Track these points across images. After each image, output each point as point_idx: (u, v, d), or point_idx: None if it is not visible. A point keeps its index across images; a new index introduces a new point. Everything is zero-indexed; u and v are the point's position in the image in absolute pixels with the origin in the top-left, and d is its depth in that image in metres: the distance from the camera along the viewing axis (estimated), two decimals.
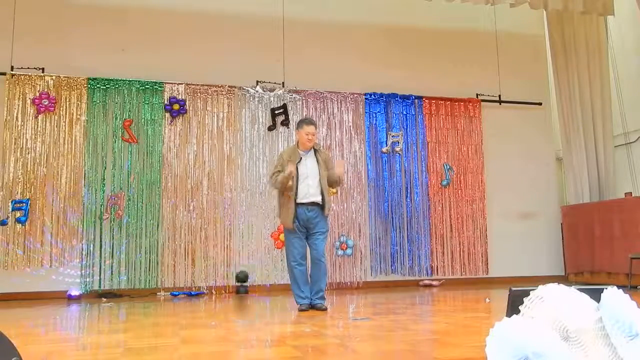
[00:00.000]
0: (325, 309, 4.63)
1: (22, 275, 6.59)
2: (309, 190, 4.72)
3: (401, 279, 7.73)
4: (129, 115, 7.17)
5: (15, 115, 6.81)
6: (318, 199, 4.74)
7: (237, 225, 7.29)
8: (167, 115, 7.29)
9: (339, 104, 7.92)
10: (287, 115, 7.64)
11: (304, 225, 4.72)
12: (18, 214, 6.63)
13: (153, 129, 7.22)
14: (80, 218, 6.82)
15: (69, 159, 6.89)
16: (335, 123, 7.86)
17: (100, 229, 6.86)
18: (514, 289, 1.81)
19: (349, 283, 7.55)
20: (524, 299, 1.70)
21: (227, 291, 7.12)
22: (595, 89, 8.36)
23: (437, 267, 7.90)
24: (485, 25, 8.52)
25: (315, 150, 4.86)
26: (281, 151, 6.07)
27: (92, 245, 6.81)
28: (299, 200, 4.69)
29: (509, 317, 1.70)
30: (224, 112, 7.48)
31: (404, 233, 7.85)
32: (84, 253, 6.78)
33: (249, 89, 7.61)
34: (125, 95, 7.19)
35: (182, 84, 7.38)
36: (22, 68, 6.91)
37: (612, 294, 1.64)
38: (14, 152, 6.74)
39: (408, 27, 8.42)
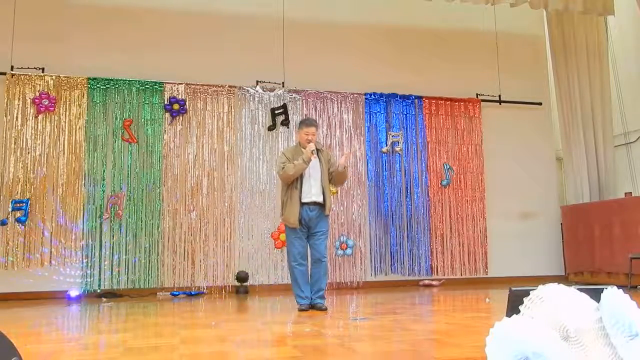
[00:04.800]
0: (325, 309, 4.63)
1: (22, 275, 6.58)
2: (311, 189, 4.73)
3: (401, 279, 7.73)
4: (129, 115, 7.17)
5: (15, 115, 6.81)
6: (320, 198, 4.74)
7: (237, 225, 7.28)
8: (167, 115, 7.29)
9: (339, 104, 7.92)
10: (287, 115, 7.63)
11: (305, 224, 4.73)
12: (18, 214, 6.62)
13: (153, 129, 7.22)
14: (80, 218, 6.82)
15: (69, 159, 6.89)
16: (335, 123, 7.86)
17: (100, 229, 6.86)
18: (514, 289, 1.81)
19: (349, 283, 7.55)
20: (524, 299, 1.70)
21: (227, 291, 7.12)
22: (595, 89, 8.37)
23: (437, 267, 7.90)
24: (485, 25, 8.52)
25: (317, 150, 4.84)
26: (282, 150, 6.07)
27: (92, 245, 6.81)
28: (302, 200, 4.69)
29: (509, 317, 1.70)
30: (224, 112, 7.48)
31: (404, 233, 7.85)
32: (84, 253, 6.77)
33: (249, 89, 7.61)
34: (125, 95, 7.19)
35: (182, 84, 7.38)
36: (22, 68, 6.91)
37: (612, 294, 1.64)
38: (14, 152, 6.73)
39: (408, 27, 8.42)
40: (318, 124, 5.81)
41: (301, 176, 4.72)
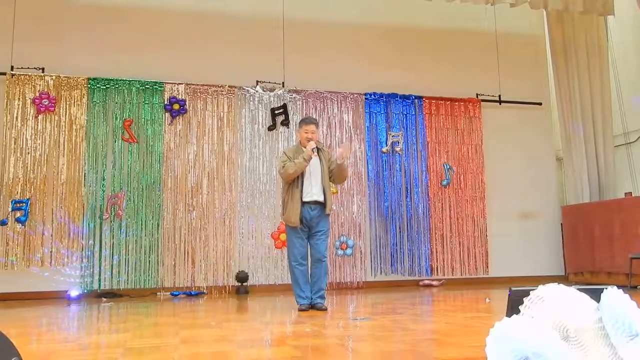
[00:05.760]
0: (325, 309, 4.63)
1: (22, 275, 6.58)
2: (312, 188, 4.73)
3: (401, 279, 7.73)
4: (129, 115, 7.17)
5: (15, 115, 6.81)
6: (320, 197, 4.74)
7: (237, 225, 7.28)
8: (167, 115, 7.29)
9: (339, 104, 7.92)
10: (287, 115, 7.63)
11: (306, 224, 4.73)
12: (18, 214, 6.62)
13: (153, 129, 7.22)
14: (80, 218, 6.82)
15: (69, 159, 6.89)
16: (335, 123, 7.86)
17: (100, 229, 6.86)
18: (514, 289, 1.81)
19: (349, 283, 7.55)
20: (524, 299, 1.70)
21: (227, 291, 7.12)
22: (595, 89, 8.36)
23: (437, 267, 7.90)
24: (485, 25, 8.52)
25: (318, 149, 4.84)
26: (283, 149, 6.06)
27: (92, 245, 6.80)
28: (303, 199, 4.69)
29: (509, 317, 1.70)
30: (224, 112, 7.48)
31: (404, 233, 7.85)
32: (84, 253, 6.77)
33: (249, 89, 7.61)
34: (125, 95, 7.19)
35: (182, 84, 7.38)
36: (22, 68, 6.91)
37: (612, 294, 1.64)
38: (14, 152, 6.73)
39: (408, 27, 8.42)
40: (318, 123, 5.78)
41: (302, 175, 4.72)
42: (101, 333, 3.78)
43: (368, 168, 7.88)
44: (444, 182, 8.10)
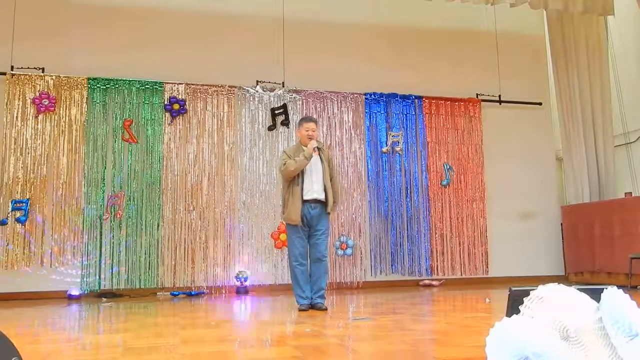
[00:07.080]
0: (325, 309, 4.63)
1: (22, 275, 6.58)
2: (312, 186, 4.74)
3: (401, 279, 7.73)
4: (129, 115, 7.17)
5: (15, 115, 6.81)
6: (321, 195, 4.76)
7: (237, 225, 7.28)
8: (167, 115, 7.29)
9: (339, 104, 7.92)
10: (287, 115, 7.64)
11: (307, 223, 4.73)
12: (18, 214, 6.63)
13: (153, 129, 7.22)
14: (80, 218, 6.82)
15: (69, 159, 6.89)
16: (335, 123, 7.86)
17: (100, 229, 6.86)
18: (514, 289, 1.81)
19: (349, 283, 7.55)
20: (524, 299, 1.70)
21: (227, 291, 7.12)
22: (595, 89, 8.36)
23: (437, 267, 7.90)
24: (485, 25, 8.52)
25: (319, 149, 4.85)
26: (284, 149, 6.07)
27: (92, 245, 6.80)
28: (304, 197, 4.70)
29: (509, 317, 1.70)
30: (224, 112, 7.48)
31: (404, 233, 7.85)
32: (84, 253, 6.77)
33: (249, 89, 7.61)
34: (125, 95, 7.19)
35: (182, 84, 7.38)
36: (22, 68, 6.91)
37: (612, 294, 1.64)
38: (14, 152, 6.74)
39: (408, 27, 8.42)
40: (318, 121, 5.83)
41: (302, 173, 4.74)
42: (101, 333, 3.78)
43: (368, 168, 7.88)
44: (444, 182, 8.10)
